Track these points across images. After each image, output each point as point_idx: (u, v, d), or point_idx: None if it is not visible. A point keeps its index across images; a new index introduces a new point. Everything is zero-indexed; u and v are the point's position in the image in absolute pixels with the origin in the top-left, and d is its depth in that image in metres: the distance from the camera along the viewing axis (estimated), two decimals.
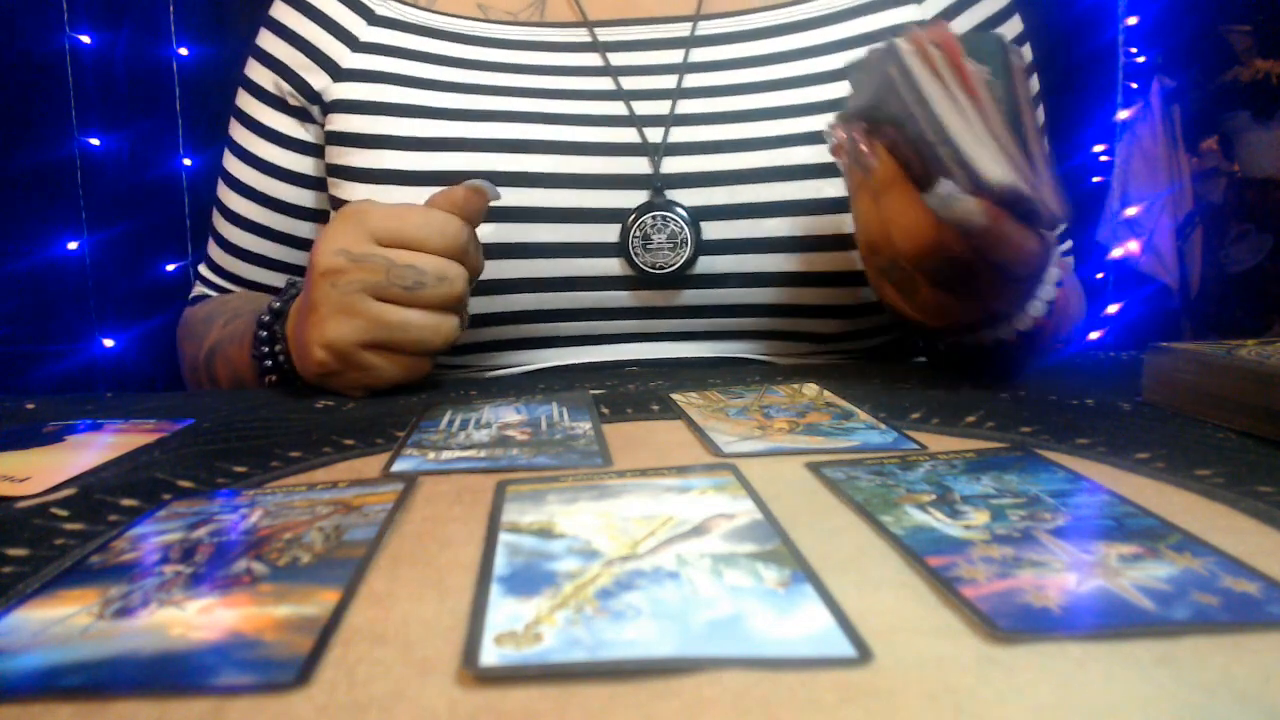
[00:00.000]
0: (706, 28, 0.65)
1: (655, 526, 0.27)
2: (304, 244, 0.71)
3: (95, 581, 0.25)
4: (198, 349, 0.66)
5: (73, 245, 1.80)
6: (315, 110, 0.67)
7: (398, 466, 0.35)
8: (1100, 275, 2.08)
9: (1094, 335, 2.01)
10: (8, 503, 0.33)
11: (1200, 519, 0.28)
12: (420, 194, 0.60)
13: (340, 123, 0.64)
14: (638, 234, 0.60)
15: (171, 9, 1.81)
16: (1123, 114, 2.09)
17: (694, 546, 0.26)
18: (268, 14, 0.69)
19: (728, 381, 0.51)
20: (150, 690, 0.19)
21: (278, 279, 0.72)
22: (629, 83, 0.63)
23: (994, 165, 0.41)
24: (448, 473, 0.34)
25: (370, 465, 0.36)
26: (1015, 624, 0.21)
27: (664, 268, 0.60)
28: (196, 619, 0.22)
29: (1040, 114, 0.69)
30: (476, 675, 0.19)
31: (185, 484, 0.35)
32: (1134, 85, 2.11)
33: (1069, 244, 0.73)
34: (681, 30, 0.65)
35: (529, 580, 0.24)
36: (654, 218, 0.60)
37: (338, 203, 0.63)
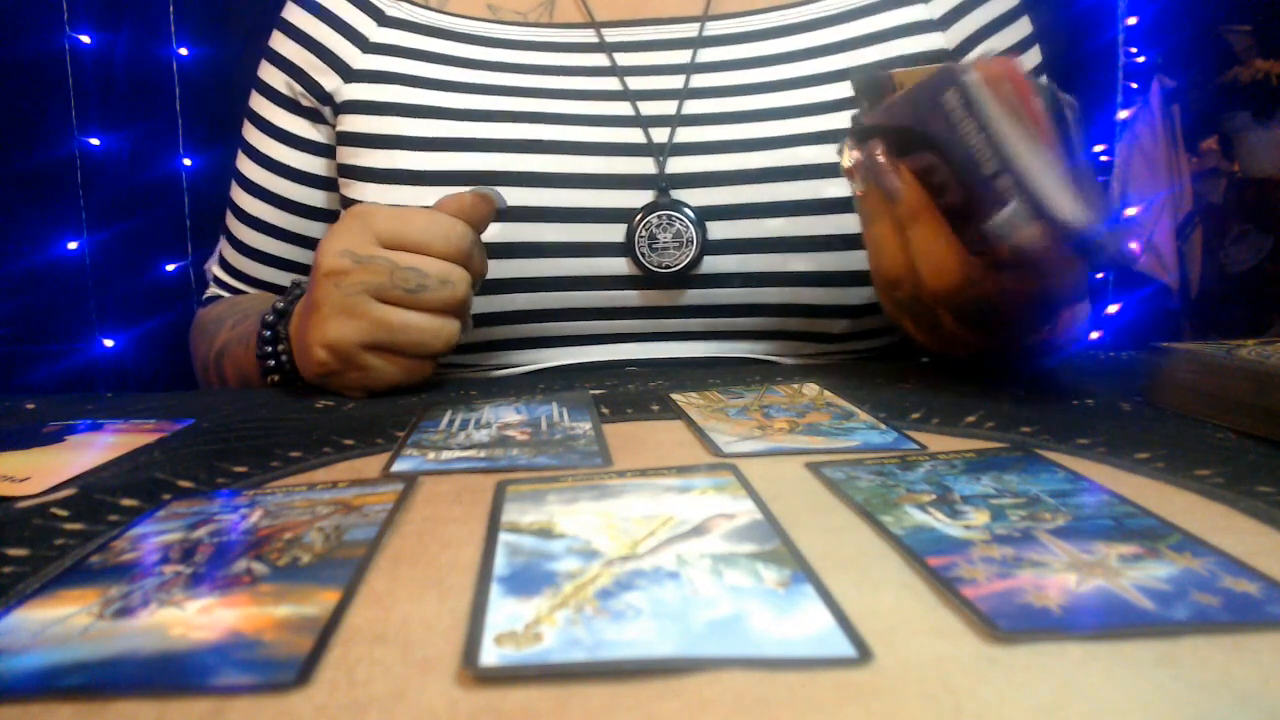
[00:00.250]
0: (714, 28, 0.65)
1: (655, 526, 0.27)
2: (316, 244, 0.71)
3: (95, 581, 0.25)
4: (208, 349, 0.66)
5: (73, 245, 1.80)
6: (327, 111, 0.67)
7: (398, 466, 0.35)
8: (1100, 275, 2.08)
9: (1094, 335, 2.02)
10: (8, 503, 0.33)
11: (1200, 519, 0.28)
12: (431, 194, 0.60)
13: (351, 123, 0.64)
14: (643, 234, 0.60)
15: (171, 9, 1.81)
16: (1123, 114, 2.09)
17: (694, 546, 0.26)
18: (280, 16, 0.70)
19: (728, 381, 0.51)
20: (150, 690, 0.19)
21: (290, 279, 0.72)
22: (636, 83, 0.63)
23: (1066, 200, 0.40)
24: (448, 473, 0.34)
25: (370, 465, 0.36)
26: (1015, 624, 0.21)
27: (670, 267, 0.60)
28: (196, 619, 0.22)
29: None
30: (476, 675, 0.19)
31: (185, 484, 0.35)
32: (1134, 85, 2.11)
33: None
34: (689, 31, 0.65)
35: (529, 580, 0.24)
36: (660, 217, 0.60)
37: (349, 203, 0.64)
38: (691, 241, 0.60)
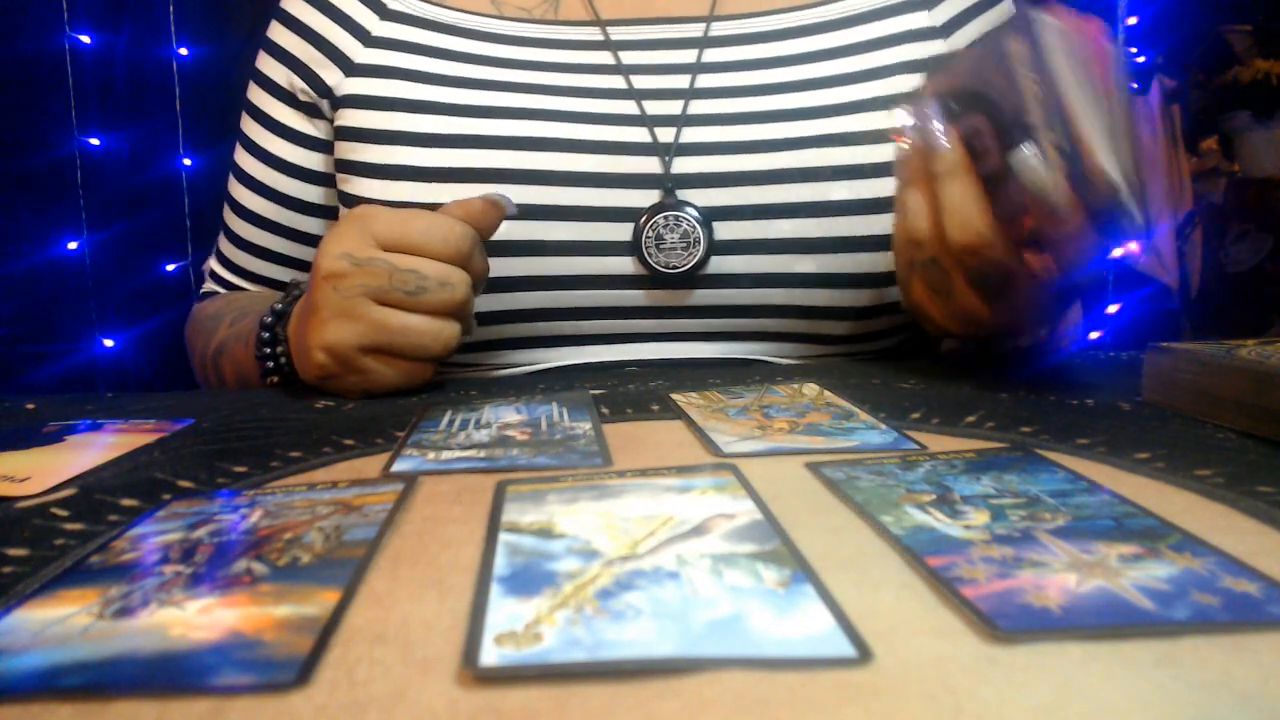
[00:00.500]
0: (720, 29, 0.65)
1: (655, 526, 0.27)
2: (313, 240, 0.71)
3: (95, 581, 0.25)
4: (205, 346, 0.66)
5: (73, 245, 1.80)
6: (326, 105, 0.67)
7: (398, 466, 0.35)
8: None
9: (1094, 335, 2.02)
10: (8, 503, 0.33)
11: (1200, 519, 0.28)
12: (431, 190, 0.60)
13: (351, 118, 0.64)
14: (650, 233, 0.60)
15: (171, 9, 1.81)
16: None
17: (694, 546, 0.26)
18: (279, 7, 0.69)
19: (727, 381, 0.51)
20: (150, 690, 0.19)
21: (286, 274, 0.72)
22: (641, 82, 0.63)
23: (1108, 158, 0.39)
24: (448, 473, 0.34)
25: (370, 465, 0.36)
26: (1015, 624, 0.21)
27: (676, 267, 0.60)
28: (196, 619, 0.22)
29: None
30: (476, 675, 0.19)
31: (185, 484, 0.35)
32: (1134, 85, 2.11)
33: None
34: (695, 30, 0.65)
35: (529, 580, 0.24)
36: (666, 217, 0.60)
37: (347, 198, 0.63)
38: (699, 242, 0.60)
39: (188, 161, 1.83)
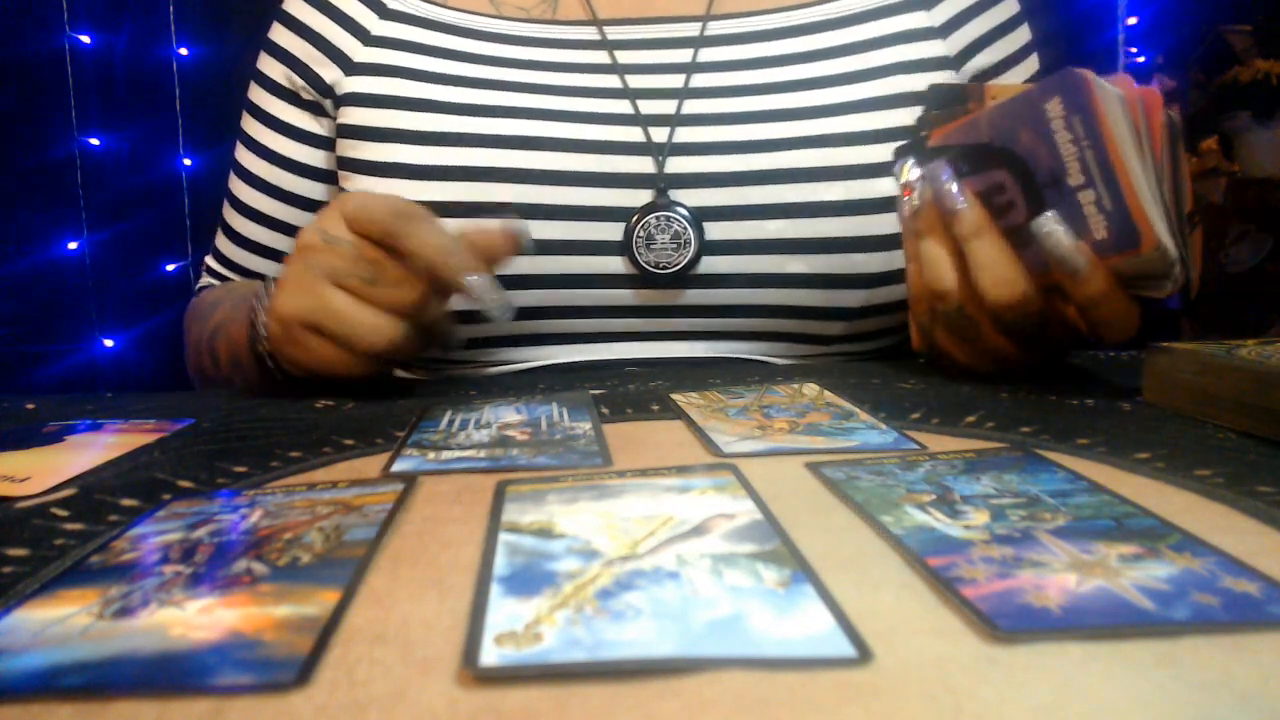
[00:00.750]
0: (715, 28, 0.65)
1: (655, 526, 0.27)
2: None
3: (95, 581, 0.25)
4: (203, 329, 0.66)
5: (73, 245, 1.80)
6: (327, 104, 0.67)
7: (398, 466, 0.35)
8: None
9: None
10: (8, 503, 0.33)
11: (1200, 519, 0.28)
12: (429, 188, 0.60)
13: (351, 116, 0.64)
14: (641, 233, 0.60)
15: (171, 9, 1.81)
16: None
17: (694, 546, 0.26)
18: (280, 7, 0.70)
19: (728, 381, 0.51)
20: (150, 690, 0.19)
21: None
22: (636, 81, 0.63)
23: (1159, 220, 0.41)
24: (448, 473, 0.34)
25: (370, 465, 0.36)
26: (1015, 624, 0.21)
27: (667, 267, 0.60)
28: (196, 619, 0.22)
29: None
30: (476, 675, 0.19)
31: (185, 484, 0.35)
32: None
33: None
34: (691, 30, 0.65)
35: (529, 580, 0.24)
36: (657, 218, 0.60)
37: None
38: (689, 243, 0.60)
39: (188, 161, 1.83)
